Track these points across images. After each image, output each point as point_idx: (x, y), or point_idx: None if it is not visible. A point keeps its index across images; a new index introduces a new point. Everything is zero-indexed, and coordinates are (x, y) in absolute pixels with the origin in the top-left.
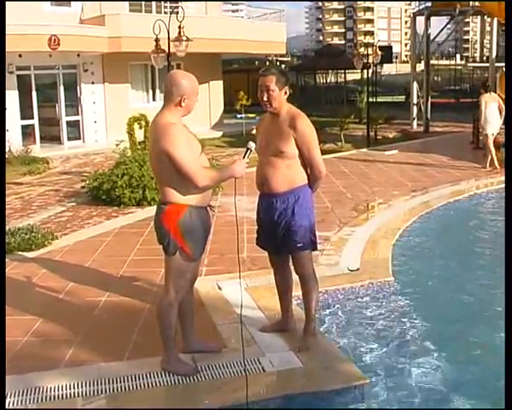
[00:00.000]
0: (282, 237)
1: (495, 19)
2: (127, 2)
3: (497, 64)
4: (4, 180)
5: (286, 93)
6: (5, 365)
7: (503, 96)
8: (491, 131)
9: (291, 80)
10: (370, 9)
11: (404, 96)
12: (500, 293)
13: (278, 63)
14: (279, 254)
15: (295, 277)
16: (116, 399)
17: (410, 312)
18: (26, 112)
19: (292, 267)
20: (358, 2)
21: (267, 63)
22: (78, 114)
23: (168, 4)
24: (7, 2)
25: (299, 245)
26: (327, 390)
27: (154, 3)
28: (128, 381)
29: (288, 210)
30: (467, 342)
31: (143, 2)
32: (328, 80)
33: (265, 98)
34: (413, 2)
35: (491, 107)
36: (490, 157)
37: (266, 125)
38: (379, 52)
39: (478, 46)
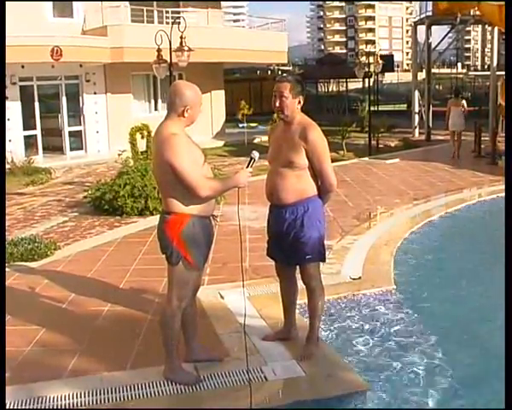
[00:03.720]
0: (291, 248)
1: (495, 27)
2: (129, 14)
3: (498, 72)
4: (4, 189)
5: (300, 102)
6: (5, 371)
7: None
8: (452, 129)
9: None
10: (371, 18)
11: (405, 105)
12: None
13: (280, 72)
14: (287, 264)
15: (300, 285)
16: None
17: (411, 320)
18: (28, 122)
19: (298, 276)
20: (360, 12)
21: (269, 72)
22: (80, 125)
23: (170, 14)
24: (9, 12)
25: (307, 257)
26: (329, 398)
27: (155, 14)
28: (131, 390)
29: (298, 221)
30: (469, 348)
31: (145, 14)
32: (330, 89)
33: (277, 104)
34: (414, 11)
35: (455, 110)
36: (454, 150)
37: (278, 133)
38: (380, 61)
39: (479, 55)
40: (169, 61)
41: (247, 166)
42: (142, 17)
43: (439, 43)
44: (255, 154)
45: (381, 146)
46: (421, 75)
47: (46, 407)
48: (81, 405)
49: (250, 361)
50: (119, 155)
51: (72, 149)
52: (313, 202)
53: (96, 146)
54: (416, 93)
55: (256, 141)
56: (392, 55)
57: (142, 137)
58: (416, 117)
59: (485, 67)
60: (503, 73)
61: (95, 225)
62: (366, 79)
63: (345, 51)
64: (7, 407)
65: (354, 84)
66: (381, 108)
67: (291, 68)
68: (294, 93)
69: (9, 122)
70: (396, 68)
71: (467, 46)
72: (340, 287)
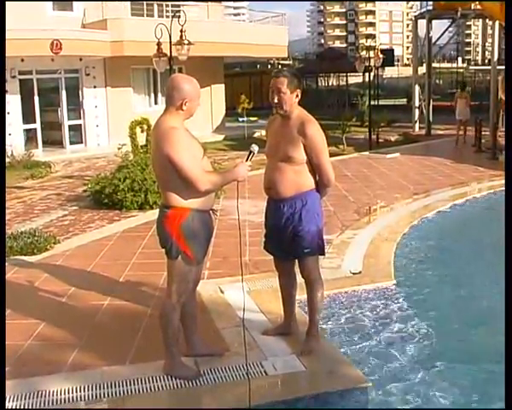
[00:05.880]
0: (290, 242)
1: (496, 22)
2: (129, 7)
3: (498, 67)
4: (4, 183)
5: (297, 96)
6: (5, 366)
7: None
8: (459, 118)
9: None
10: (372, 13)
11: (405, 99)
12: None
13: (280, 66)
14: (286, 258)
15: (299, 280)
16: (119, 403)
17: (411, 315)
18: (28, 116)
19: (297, 271)
20: (360, 6)
21: (269, 67)
22: (80, 118)
23: (170, 8)
24: (8, 7)
25: (306, 250)
26: (329, 393)
27: (155, 7)
28: (131, 385)
29: (296, 215)
30: (469, 344)
31: (145, 7)
32: (330, 83)
33: (276, 100)
34: (415, 6)
35: (461, 101)
36: (457, 137)
37: (276, 127)
38: (381, 55)
39: (479, 49)
40: (169, 54)
41: (247, 160)
42: (142, 11)
43: (439, 38)
44: (254, 147)
45: (381, 141)
46: (422, 70)
47: (46, 401)
48: (81, 399)
49: (250, 356)
50: (119, 148)
51: (71, 143)
52: (311, 195)
53: (95, 140)
54: (417, 87)
55: (256, 135)
56: (393, 50)
57: (142, 131)
58: (417, 111)
59: (486, 61)
60: (504, 67)
61: (94, 219)
62: (366, 74)
63: (345, 45)
64: (7, 401)
65: (354, 79)
66: (382, 102)
67: (291, 62)
68: (292, 87)
69: (9, 116)
70: (396, 63)
71: (467, 40)
72: (340, 281)
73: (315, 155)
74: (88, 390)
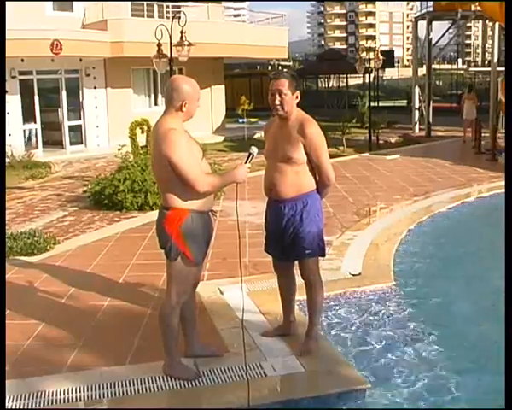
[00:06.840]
0: (290, 243)
1: (496, 23)
2: (129, 8)
3: (498, 68)
4: (4, 183)
5: (297, 97)
6: (5, 367)
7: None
8: (465, 117)
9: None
10: (372, 14)
11: (405, 101)
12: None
13: (280, 67)
14: (286, 260)
15: (299, 281)
16: (118, 403)
17: (411, 316)
18: (28, 116)
19: (296, 272)
20: (360, 7)
21: (269, 68)
22: (80, 119)
23: (170, 9)
24: (8, 7)
25: (307, 252)
26: (329, 395)
27: (156, 8)
28: (130, 385)
29: (297, 216)
30: (468, 343)
31: (145, 8)
32: (330, 85)
33: (278, 102)
34: (415, 7)
35: (468, 102)
36: (464, 134)
37: (275, 129)
38: (381, 57)
39: (480, 51)
40: (169, 55)
41: (246, 162)
42: (142, 11)
43: (439, 39)
44: (254, 149)
45: (381, 142)
46: (422, 71)
47: (46, 401)
48: (80, 399)
49: (249, 357)
50: (119, 149)
51: (71, 144)
52: (312, 196)
53: (95, 140)
54: (417, 89)
55: (256, 136)
56: (393, 51)
57: (142, 132)
58: (417, 113)
59: (486, 62)
60: (504, 68)
61: (94, 219)
62: (366, 75)
63: (345, 47)
64: (6, 401)
65: (354, 80)
66: (382, 103)
67: (291, 64)
68: (292, 89)
69: (9, 116)
70: (396, 64)
71: (467, 42)
72: (339, 283)
73: (314, 154)
74: (87, 391)
